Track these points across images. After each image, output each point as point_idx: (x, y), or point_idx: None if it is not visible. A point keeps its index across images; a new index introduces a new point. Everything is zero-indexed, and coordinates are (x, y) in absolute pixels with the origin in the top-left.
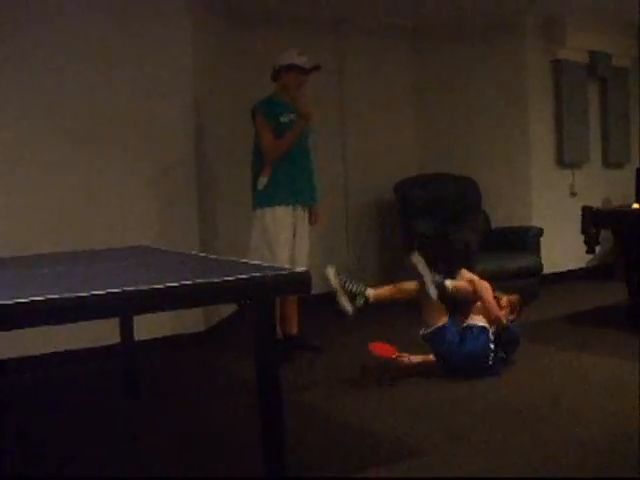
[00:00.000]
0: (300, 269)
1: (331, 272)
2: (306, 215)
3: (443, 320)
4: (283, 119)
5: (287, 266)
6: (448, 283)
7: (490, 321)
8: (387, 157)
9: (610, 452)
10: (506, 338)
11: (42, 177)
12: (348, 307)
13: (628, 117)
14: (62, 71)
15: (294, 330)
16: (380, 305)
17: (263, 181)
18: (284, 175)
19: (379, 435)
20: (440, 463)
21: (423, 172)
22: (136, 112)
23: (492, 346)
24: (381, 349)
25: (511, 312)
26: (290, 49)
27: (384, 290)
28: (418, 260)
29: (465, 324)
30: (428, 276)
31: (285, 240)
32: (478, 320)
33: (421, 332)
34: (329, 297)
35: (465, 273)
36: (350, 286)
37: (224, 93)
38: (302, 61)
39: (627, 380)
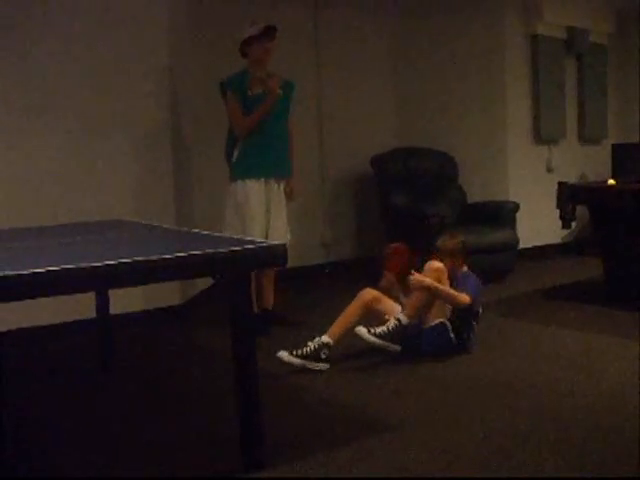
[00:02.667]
0: (276, 243)
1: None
2: (281, 189)
3: (438, 318)
4: (251, 93)
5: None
6: (401, 317)
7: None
8: (364, 131)
9: (584, 425)
10: (466, 317)
11: (16, 152)
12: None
13: (605, 93)
14: (31, 41)
15: (270, 304)
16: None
17: (235, 154)
18: (255, 148)
19: (352, 410)
20: (413, 438)
21: (400, 146)
22: (109, 85)
23: (452, 336)
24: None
25: (461, 263)
26: (245, 25)
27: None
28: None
29: (425, 326)
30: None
31: (256, 213)
32: (435, 318)
33: (403, 320)
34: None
35: (432, 264)
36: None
37: (200, 65)
38: (254, 30)
39: (601, 354)
